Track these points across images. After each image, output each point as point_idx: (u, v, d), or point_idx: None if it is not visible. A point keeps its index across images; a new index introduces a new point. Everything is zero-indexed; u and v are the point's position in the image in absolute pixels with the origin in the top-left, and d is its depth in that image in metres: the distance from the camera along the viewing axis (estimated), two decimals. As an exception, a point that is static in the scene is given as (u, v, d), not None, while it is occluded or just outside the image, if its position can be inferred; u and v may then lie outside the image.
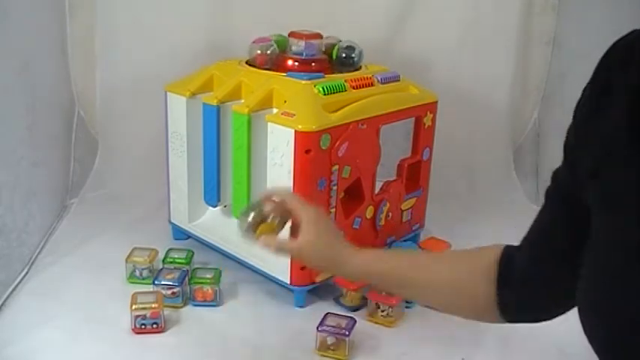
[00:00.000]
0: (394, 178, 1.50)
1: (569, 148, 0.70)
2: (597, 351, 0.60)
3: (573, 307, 0.67)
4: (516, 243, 0.79)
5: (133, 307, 1.19)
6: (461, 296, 0.85)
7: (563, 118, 0.70)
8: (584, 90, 0.67)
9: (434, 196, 1.61)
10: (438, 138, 1.54)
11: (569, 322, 0.69)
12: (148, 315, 1.19)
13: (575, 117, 0.68)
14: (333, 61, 1.47)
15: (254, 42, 1.45)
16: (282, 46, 1.46)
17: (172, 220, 1.57)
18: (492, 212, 1.83)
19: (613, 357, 0.59)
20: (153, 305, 1.19)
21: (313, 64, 1.42)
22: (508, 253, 0.80)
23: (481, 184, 1.98)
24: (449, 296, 0.86)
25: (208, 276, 1.32)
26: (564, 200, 0.72)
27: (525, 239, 0.78)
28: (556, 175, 0.74)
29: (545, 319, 0.80)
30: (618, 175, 0.60)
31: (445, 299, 0.87)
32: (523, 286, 0.77)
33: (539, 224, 0.77)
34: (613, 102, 0.62)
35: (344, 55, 1.46)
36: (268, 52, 1.43)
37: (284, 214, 0.95)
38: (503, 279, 0.79)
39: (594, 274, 0.62)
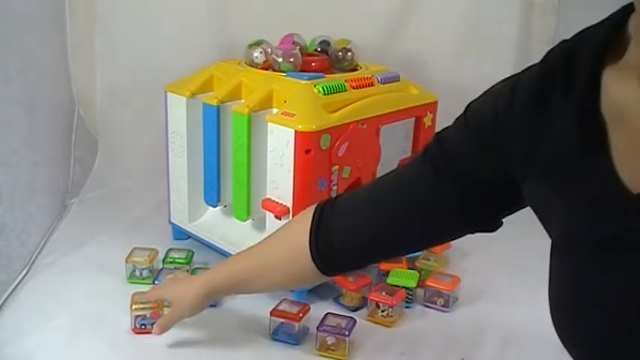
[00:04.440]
0: (394, 178, 1.50)
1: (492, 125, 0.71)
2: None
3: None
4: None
5: (133, 307, 1.19)
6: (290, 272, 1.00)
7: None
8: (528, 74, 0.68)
9: (434, 196, 1.61)
10: (438, 138, 1.54)
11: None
12: (147, 315, 1.19)
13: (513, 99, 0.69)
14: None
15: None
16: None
17: (172, 220, 1.57)
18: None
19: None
20: (153, 305, 1.19)
21: (313, 64, 1.42)
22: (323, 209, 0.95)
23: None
24: (281, 273, 1.02)
25: (208, 276, 1.32)
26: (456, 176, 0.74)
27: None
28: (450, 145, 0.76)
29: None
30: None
31: (279, 277, 1.02)
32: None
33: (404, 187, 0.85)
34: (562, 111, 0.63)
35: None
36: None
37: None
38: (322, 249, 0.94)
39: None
